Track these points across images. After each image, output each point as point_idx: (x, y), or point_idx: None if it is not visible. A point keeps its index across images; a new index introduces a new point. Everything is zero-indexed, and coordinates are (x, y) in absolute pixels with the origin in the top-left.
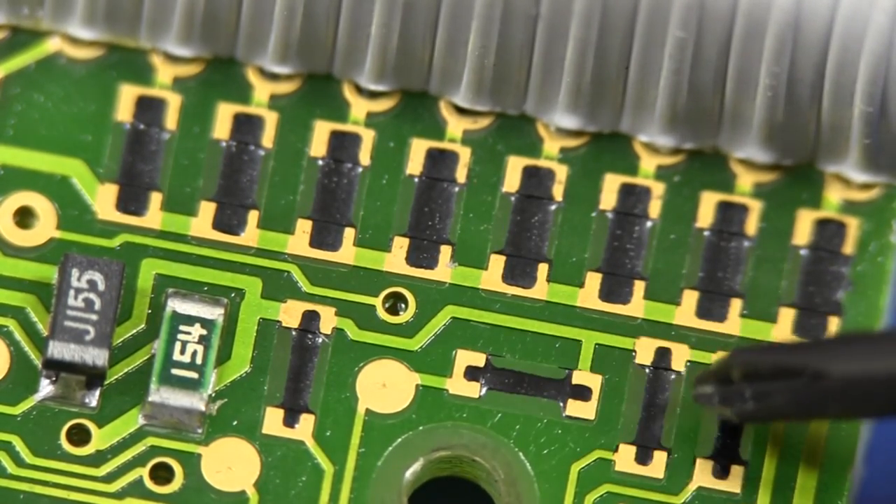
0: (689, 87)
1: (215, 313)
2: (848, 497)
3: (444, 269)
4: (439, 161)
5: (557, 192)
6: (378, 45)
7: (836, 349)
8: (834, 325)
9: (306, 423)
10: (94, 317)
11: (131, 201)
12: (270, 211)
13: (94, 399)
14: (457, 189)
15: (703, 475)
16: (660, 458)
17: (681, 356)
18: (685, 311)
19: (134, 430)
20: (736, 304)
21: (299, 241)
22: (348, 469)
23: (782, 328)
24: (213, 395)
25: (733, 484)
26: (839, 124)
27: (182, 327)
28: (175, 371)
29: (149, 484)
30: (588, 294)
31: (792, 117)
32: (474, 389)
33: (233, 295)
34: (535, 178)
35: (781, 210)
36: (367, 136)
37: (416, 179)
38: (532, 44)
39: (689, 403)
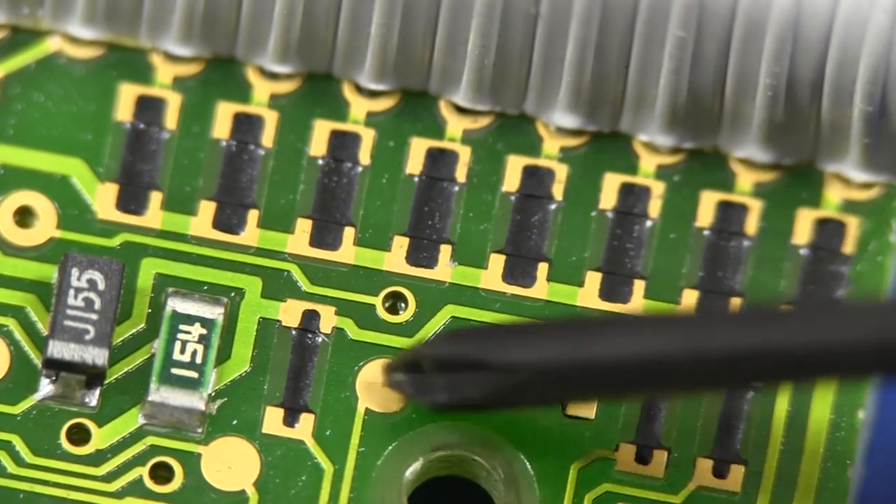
0: (689, 86)
1: (215, 313)
2: (848, 497)
3: (444, 269)
4: (439, 160)
5: (557, 191)
6: (378, 45)
7: (524, 340)
8: None
9: (306, 422)
10: (94, 316)
11: (131, 201)
12: (270, 210)
13: (93, 398)
14: (457, 188)
15: (703, 475)
16: (660, 457)
17: None
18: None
19: (134, 430)
20: (736, 304)
21: (299, 240)
22: (348, 468)
23: None
24: (213, 394)
25: (733, 484)
26: (839, 124)
27: (182, 327)
28: (175, 370)
29: (149, 483)
30: (588, 293)
31: (792, 117)
32: None
33: (233, 294)
34: (535, 178)
35: (781, 209)
36: (367, 136)
37: (416, 179)
38: (532, 43)
39: (690, 402)
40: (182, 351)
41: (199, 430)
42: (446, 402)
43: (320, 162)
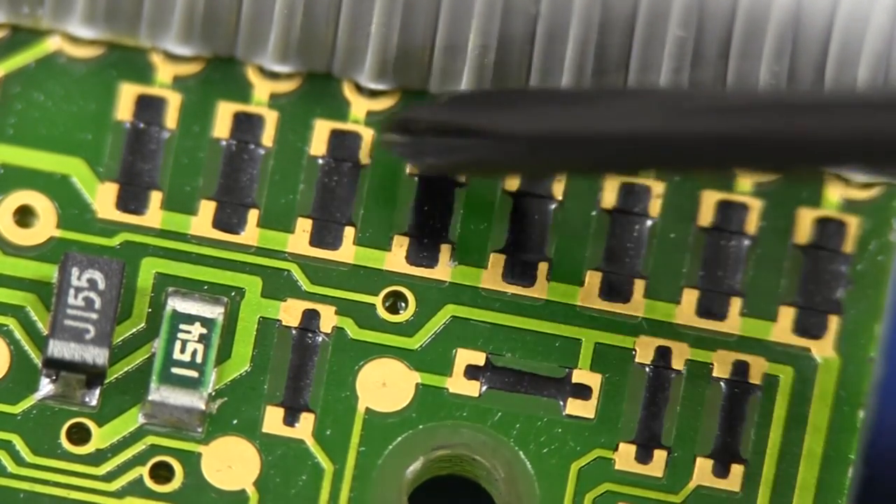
0: (688, 86)
1: (215, 312)
2: (848, 497)
3: (445, 268)
4: None
5: (558, 190)
6: (378, 45)
7: (519, 109)
8: (834, 323)
9: (306, 422)
10: (94, 316)
11: (131, 200)
12: (270, 210)
13: (94, 398)
14: (457, 188)
15: (703, 474)
16: (660, 456)
17: (681, 355)
18: (685, 310)
19: (134, 429)
20: (736, 303)
21: (299, 239)
22: (348, 468)
23: (782, 327)
24: (214, 393)
25: (733, 483)
26: None
27: (182, 326)
28: (175, 370)
29: (149, 483)
30: (588, 293)
31: None
32: (474, 388)
33: (233, 294)
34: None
35: (781, 209)
36: (368, 136)
37: (417, 178)
38: (532, 43)
39: (690, 402)
40: (182, 350)
41: (200, 430)
42: (435, 165)
43: (320, 161)
